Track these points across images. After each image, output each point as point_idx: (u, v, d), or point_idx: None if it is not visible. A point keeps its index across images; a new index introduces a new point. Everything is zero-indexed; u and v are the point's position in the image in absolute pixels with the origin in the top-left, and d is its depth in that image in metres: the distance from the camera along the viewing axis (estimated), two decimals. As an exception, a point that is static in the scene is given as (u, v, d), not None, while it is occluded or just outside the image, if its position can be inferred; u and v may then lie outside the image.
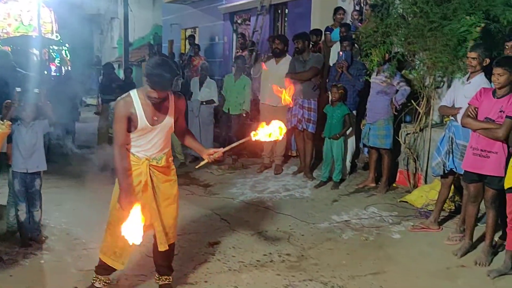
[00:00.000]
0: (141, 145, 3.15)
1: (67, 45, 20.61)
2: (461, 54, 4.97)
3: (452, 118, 4.44)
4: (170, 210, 3.29)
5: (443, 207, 4.90)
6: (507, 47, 4.42)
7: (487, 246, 3.99)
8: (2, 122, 2.75)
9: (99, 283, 3.37)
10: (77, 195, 5.79)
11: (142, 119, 3.06)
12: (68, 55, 20.63)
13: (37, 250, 4.13)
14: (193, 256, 4.10)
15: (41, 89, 5.36)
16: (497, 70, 3.78)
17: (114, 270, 3.37)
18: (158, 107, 3.09)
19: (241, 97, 7.14)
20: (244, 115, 7.25)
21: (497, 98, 3.81)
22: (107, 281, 3.40)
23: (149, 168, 3.17)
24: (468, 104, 3.99)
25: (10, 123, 2.82)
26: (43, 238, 4.31)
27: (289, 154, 7.37)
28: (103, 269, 3.35)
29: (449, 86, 5.22)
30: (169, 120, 3.17)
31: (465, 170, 4.06)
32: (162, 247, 3.25)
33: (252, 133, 3.21)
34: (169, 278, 3.45)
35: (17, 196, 4.17)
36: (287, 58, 6.54)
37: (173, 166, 3.35)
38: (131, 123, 3.07)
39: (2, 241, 4.26)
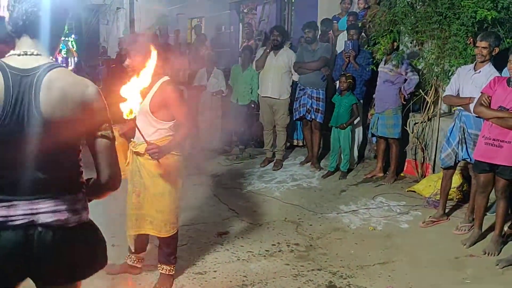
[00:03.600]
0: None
1: (73, 36, 20.60)
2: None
3: (461, 108, 4.40)
4: (154, 201, 3.28)
5: (452, 197, 4.90)
6: None
7: (497, 235, 3.98)
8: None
9: (130, 260, 3.58)
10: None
11: None
12: (74, 45, 20.62)
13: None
14: (201, 246, 4.13)
15: None
16: None
17: (135, 250, 3.53)
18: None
19: (249, 87, 7.13)
20: (253, 105, 7.24)
21: None
22: (136, 259, 3.58)
23: (132, 152, 3.29)
24: (481, 92, 3.95)
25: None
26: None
27: (296, 144, 7.36)
28: (129, 249, 3.55)
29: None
30: (144, 104, 3.09)
31: (476, 160, 4.03)
32: (128, 230, 3.40)
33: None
34: (168, 269, 3.42)
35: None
36: (285, 50, 6.51)
37: (163, 159, 3.12)
38: None
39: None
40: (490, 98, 3.86)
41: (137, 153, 3.25)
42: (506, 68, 3.95)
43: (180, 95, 3.49)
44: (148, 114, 3.18)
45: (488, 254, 3.93)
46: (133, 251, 3.51)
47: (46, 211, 1.71)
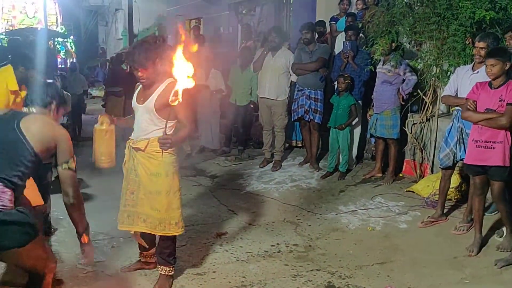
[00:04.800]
0: (135, 125, 3.35)
1: (71, 37, 20.62)
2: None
3: (459, 108, 4.41)
4: (150, 199, 3.28)
5: (450, 197, 4.90)
6: (506, 38, 4.41)
7: (509, 233, 3.97)
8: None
9: (142, 257, 3.72)
10: (84, 187, 5.83)
11: (134, 98, 3.38)
12: (73, 47, 20.64)
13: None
14: (201, 247, 4.14)
15: (56, 79, 5.35)
16: (489, 61, 3.78)
17: (144, 247, 3.64)
18: (147, 89, 3.27)
19: (248, 88, 7.13)
20: (252, 106, 7.24)
21: (494, 89, 3.83)
22: (148, 255, 3.68)
23: (130, 149, 3.32)
24: (466, 98, 4.00)
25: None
26: (52, 230, 4.34)
27: (295, 145, 7.37)
28: (139, 246, 3.70)
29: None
30: (149, 103, 3.21)
31: (469, 164, 4.02)
32: (120, 225, 3.45)
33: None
34: (167, 270, 3.42)
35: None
36: (283, 51, 6.51)
37: (161, 158, 3.23)
38: None
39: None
40: (475, 103, 3.90)
41: (137, 149, 3.27)
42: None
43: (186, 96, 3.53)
44: (153, 113, 3.24)
45: (503, 250, 3.92)
46: (141, 249, 3.59)
47: None
